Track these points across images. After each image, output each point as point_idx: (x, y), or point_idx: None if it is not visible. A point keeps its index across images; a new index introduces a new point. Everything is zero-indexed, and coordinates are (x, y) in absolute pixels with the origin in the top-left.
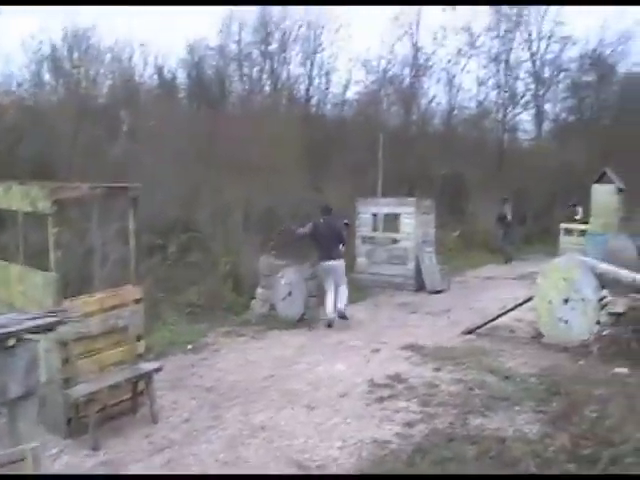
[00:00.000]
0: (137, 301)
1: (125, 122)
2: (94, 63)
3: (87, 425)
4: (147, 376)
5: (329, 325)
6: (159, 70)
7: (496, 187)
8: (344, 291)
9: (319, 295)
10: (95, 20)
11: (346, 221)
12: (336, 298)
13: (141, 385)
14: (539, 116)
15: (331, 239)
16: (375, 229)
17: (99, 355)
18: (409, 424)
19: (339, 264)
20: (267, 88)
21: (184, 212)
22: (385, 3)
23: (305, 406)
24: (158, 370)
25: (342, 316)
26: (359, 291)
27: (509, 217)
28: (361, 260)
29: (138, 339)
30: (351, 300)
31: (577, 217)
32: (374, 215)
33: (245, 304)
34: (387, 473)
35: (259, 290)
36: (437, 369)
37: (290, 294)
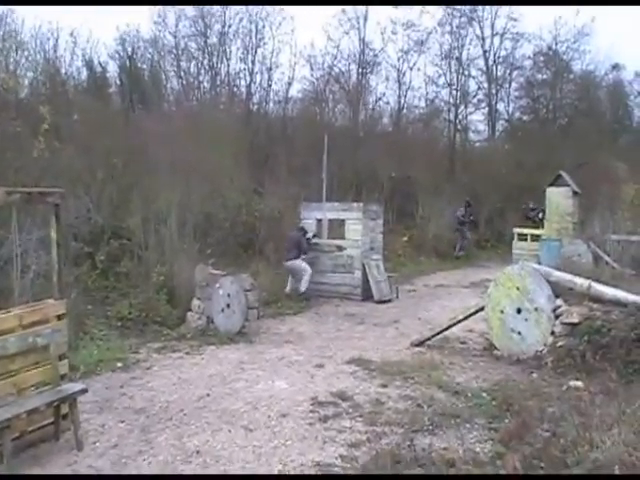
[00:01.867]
0: (60, 317)
1: (47, 119)
2: (13, 53)
3: (2, 455)
4: (71, 398)
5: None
6: (88, 63)
7: (447, 190)
8: (304, 279)
9: (260, 307)
10: (15, 4)
11: (309, 235)
12: (297, 283)
13: (64, 408)
14: (492, 116)
15: (289, 246)
16: (319, 235)
17: (16, 377)
18: (354, 445)
19: (291, 264)
20: (205, 84)
21: (114, 217)
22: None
23: (243, 427)
24: (83, 391)
25: (300, 294)
26: (300, 302)
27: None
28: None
29: (61, 358)
30: (292, 311)
31: (538, 217)
32: (318, 221)
33: (180, 317)
34: (388, 473)
35: (195, 302)
36: (384, 385)
37: (228, 306)
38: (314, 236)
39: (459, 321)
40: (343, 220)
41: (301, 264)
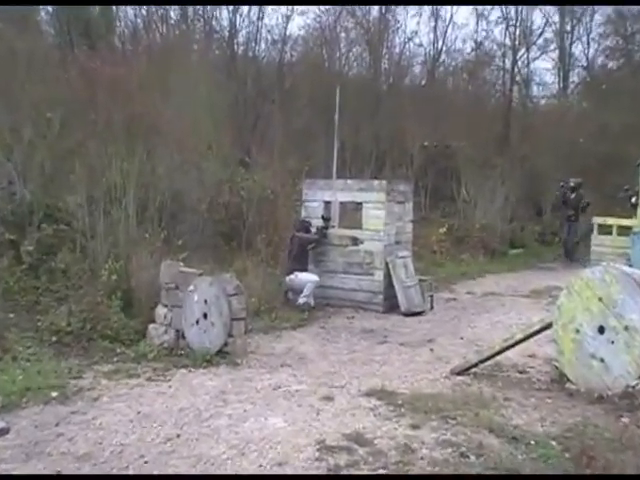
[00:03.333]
0: None
1: None
2: None
3: None
4: None
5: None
6: None
7: (501, 165)
8: (307, 287)
9: (248, 318)
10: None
11: (315, 224)
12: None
13: None
14: (564, 62)
15: (293, 253)
16: (326, 223)
17: None
18: None
19: (293, 279)
20: (173, 15)
21: (47, 194)
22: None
23: None
24: (2, 432)
25: (298, 305)
26: (301, 312)
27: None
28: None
29: None
30: (291, 325)
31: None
32: (326, 204)
33: (139, 331)
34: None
35: (160, 310)
36: (415, 426)
37: (205, 316)
38: (326, 219)
39: (517, 342)
40: (360, 203)
41: (305, 278)
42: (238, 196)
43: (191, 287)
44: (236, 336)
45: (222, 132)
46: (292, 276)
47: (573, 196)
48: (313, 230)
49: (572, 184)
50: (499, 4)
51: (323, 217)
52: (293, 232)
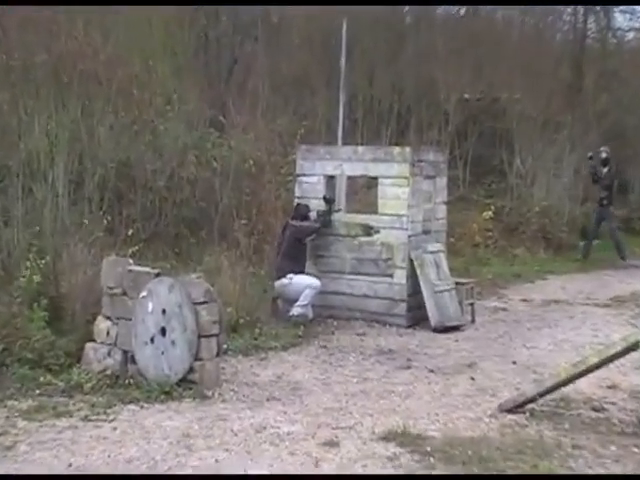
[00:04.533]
0: None
1: None
2: None
3: None
4: None
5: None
6: None
7: (570, 125)
8: (305, 294)
9: (223, 334)
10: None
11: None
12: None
13: None
14: None
15: (286, 249)
16: (330, 207)
17: None
18: None
19: (284, 284)
20: None
21: None
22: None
23: None
24: None
25: (291, 316)
26: (295, 327)
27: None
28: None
29: None
30: (281, 344)
31: None
32: (329, 179)
33: (73, 353)
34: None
35: (102, 325)
36: None
37: (164, 332)
38: (329, 201)
39: (591, 369)
40: (374, 179)
41: (303, 283)
42: (208, 169)
43: (144, 292)
44: (205, 359)
45: (186, 81)
46: (285, 280)
47: (605, 171)
48: (313, 216)
49: (603, 155)
50: (506, 4)
51: (325, 198)
52: (287, 220)
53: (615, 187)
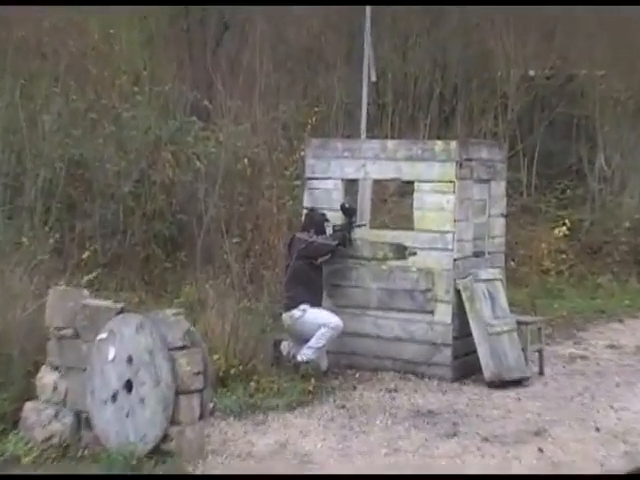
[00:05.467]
0: None
1: None
2: None
3: None
4: None
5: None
6: None
7: None
8: (319, 334)
9: (208, 389)
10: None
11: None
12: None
13: None
14: None
15: (294, 274)
16: (350, 220)
17: None
18: None
19: (295, 317)
20: None
21: None
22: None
23: None
24: None
25: (299, 362)
26: (303, 379)
27: None
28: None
29: None
30: (286, 402)
31: None
32: (349, 183)
33: (6, 415)
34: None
35: (47, 377)
36: None
37: (129, 387)
38: (350, 212)
39: None
40: (410, 183)
41: (319, 319)
42: (190, 170)
43: (104, 334)
44: (185, 423)
45: (160, 54)
46: (296, 311)
47: None
48: (328, 230)
49: None
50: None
51: (344, 208)
52: (293, 232)
53: None
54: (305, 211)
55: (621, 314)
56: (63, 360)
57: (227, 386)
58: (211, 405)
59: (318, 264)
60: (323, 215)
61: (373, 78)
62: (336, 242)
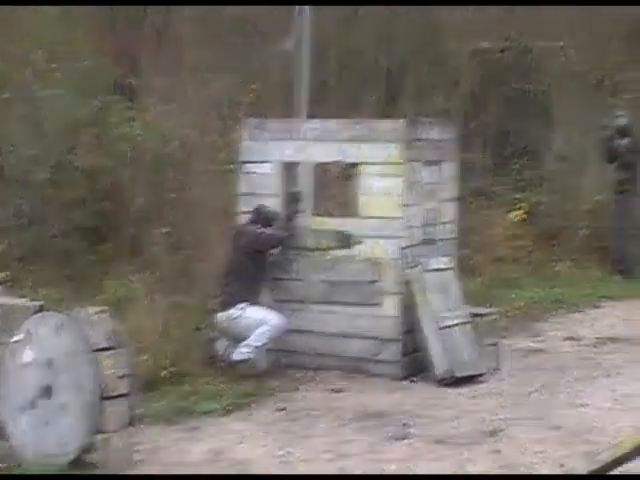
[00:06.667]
0: None
1: None
2: None
3: None
4: None
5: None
6: None
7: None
8: (258, 332)
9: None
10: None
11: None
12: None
13: None
14: None
15: (232, 271)
16: (296, 208)
17: None
18: None
19: (231, 317)
20: None
21: None
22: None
23: None
24: None
25: (234, 362)
26: (242, 380)
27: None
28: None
29: None
30: (223, 406)
31: None
32: (289, 167)
33: None
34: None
35: None
36: None
37: (49, 393)
38: (295, 198)
39: None
40: (354, 166)
41: (258, 317)
42: (113, 154)
43: (19, 335)
44: (111, 431)
45: (78, 26)
46: (234, 310)
47: (625, 144)
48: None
49: (622, 121)
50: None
51: (292, 194)
52: (241, 225)
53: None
54: (242, 197)
55: (581, 304)
56: None
57: (157, 389)
58: (139, 411)
59: (266, 258)
60: (274, 212)
61: (288, 46)
62: (287, 233)
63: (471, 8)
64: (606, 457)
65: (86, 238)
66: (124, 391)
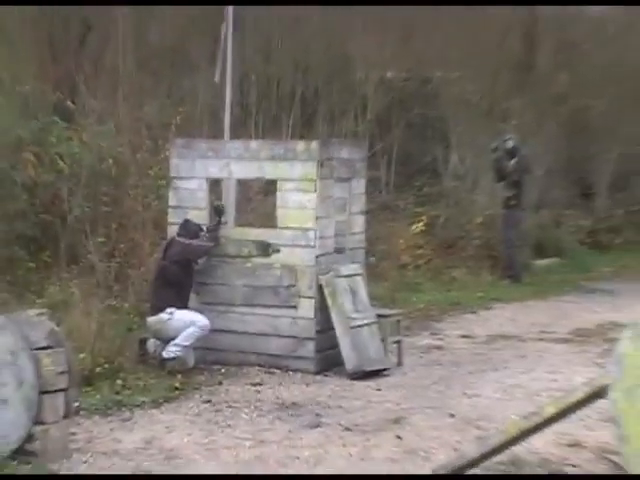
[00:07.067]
0: None
1: None
2: None
3: None
4: None
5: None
6: None
7: (519, 112)
8: (186, 333)
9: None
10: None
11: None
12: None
13: None
14: None
15: (162, 278)
16: (220, 219)
17: None
18: None
19: (163, 319)
20: None
21: None
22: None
23: None
24: None
25: (164, 359)
26: (170, 376)
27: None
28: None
29: None
30: (153, 398)
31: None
32: (214, 183)
33: None
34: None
35: None
36: None
37: None
38: (219, 211)
39: (548, 422)
40: (273, 182)
41: (186, 319)
42: (53, 170)
43: None
44: (50, 423)
45: (22, 54)
46: (164, 315)
47: (513, 164)
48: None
49: (510, 144)
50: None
51: (217, 207)
52: (171, 238)
53: (524, 184)
54: (171, 210)
55: (474, 305)
56: None
57: (93, 385)
58: (76, 404)
59: (193, 267)
60: (199, 226)
61: (216, 78)
62: (212, 243)
63: (376, 41)
64: (495, 442)
65: (27, 247)
66: (62, 386)
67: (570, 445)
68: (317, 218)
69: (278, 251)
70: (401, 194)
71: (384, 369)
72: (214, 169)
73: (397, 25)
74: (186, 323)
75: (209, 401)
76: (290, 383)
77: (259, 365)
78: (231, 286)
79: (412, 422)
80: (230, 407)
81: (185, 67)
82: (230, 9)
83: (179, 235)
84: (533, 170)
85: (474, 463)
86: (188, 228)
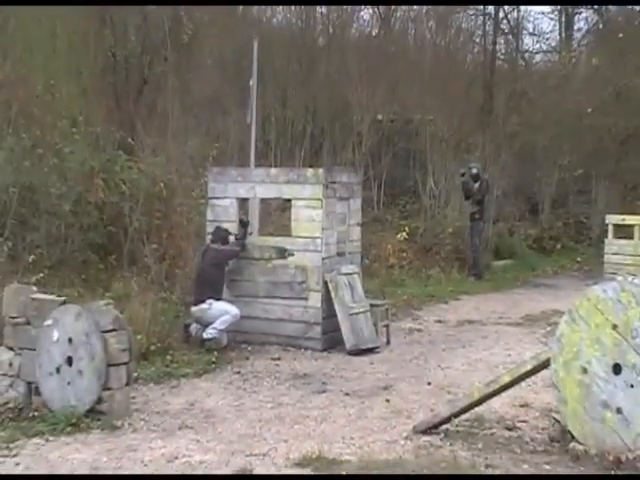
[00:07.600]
0: None
1: None
2: None
3: None
4: None
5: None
6: None
7: (482, 146)
8: (221, 319)
9: (133, 362)
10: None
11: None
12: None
13: None
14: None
15: (203, 277)
16: (245, 230)
17: None
18: None
19: (203, 309)
20: None
21: None
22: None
23: None
24: None
25: (204, 340)
26: (208, 353)
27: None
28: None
29: None
30: (194, 370)
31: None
32: (242, 201)
33: None
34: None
35: (4, 356)
36: None
37: (70, 362)
38: (245, 224)
39: (504, 388)
40: (288, 201)
41: (222, 309)
42: (117, 192)
43: (49, 321)
44: (115, 389)
45: (93, 102)
46: (204, 305)
47: (477, 186)
48: (231, 239)
49: (474, 171)
50: (498, 4)
51: (242, 221)
52: (207, 244)
53: (486, 202)
54: (208, 223)
55: (446, 297)
56: (17, 342)
57: (148, 359)
58: (135, 374)
59: (224, 267)
60: (226, 230)
61: (248, 121)
62: (239, 248)
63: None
64: (462, 404)
65: (97, 252)
66: (125, 360)
67: (521, 406)
68: (323, 229)
69: (292, 255)
70: (389, 210)
71: (376, 347)
72: (242, 190)
73: (385, 78)
74: (221, 312)
75: (238, 372)
76: (302, 358)
77: (277, 344)
78: (255, 282)
79: (398, 389)
80: (255, 377)
81: (220, 111)
82: (255, 66)
83: (212, 242)
84: (492, 191)
85: (446, 421)
86: (218, 233)
